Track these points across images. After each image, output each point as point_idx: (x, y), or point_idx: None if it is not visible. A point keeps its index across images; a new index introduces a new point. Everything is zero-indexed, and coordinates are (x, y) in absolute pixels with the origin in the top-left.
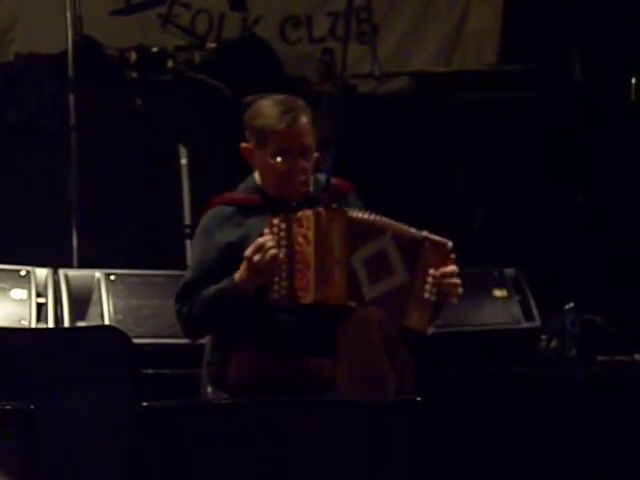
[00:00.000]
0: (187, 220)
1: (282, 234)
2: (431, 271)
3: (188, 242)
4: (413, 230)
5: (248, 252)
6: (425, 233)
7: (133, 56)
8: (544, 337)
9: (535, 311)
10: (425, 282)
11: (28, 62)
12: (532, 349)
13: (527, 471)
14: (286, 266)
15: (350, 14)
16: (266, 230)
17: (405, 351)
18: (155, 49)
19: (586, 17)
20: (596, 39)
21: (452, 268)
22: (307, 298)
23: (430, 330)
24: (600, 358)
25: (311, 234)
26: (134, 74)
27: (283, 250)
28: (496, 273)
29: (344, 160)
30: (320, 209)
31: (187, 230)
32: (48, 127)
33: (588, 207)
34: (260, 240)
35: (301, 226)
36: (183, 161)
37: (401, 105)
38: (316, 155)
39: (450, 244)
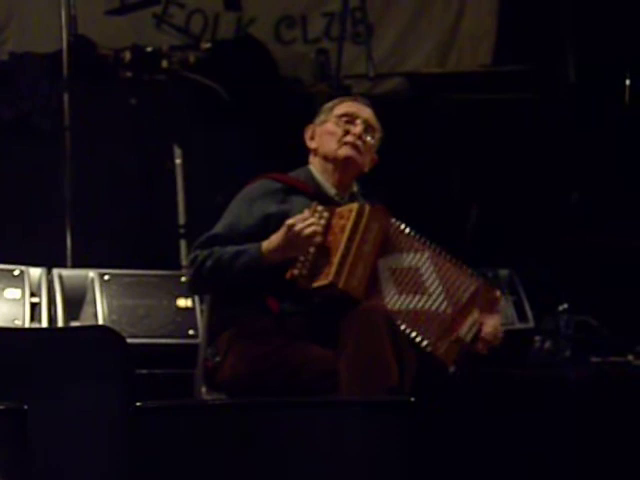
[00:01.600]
0: (181, 220)
1: (322, 221)
2: (475, 313)
3: (182, 242)
4: (466, 269)
5: (291, 220)
6: (481, 279)
7: (127, 56)
8: (538, 338)
9: (529, 312)
10: (465, 321)
11: (22, 61)
12: (526, 350)
13: (520, 471)
14: (315, 249)
15: (345, 15)
16: (307, 211)
17: (408, 344)
18: (150, 49)
19: (581, 18)
20: (591, 40)
21: (497, 319)
22: (325, 280)
23: (452, 368)
24: (594, 359)
25: (349, 224)
26: (128, 74)
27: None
28: (490, 274)
29: None
30: (366, 204)
31: (181, 230)
32: (42, 126)
33: (582, 208)
34: (307, 215)
35: (342, 218)
36: (177, 161)
37: (396, 106)
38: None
39: (499, 294)
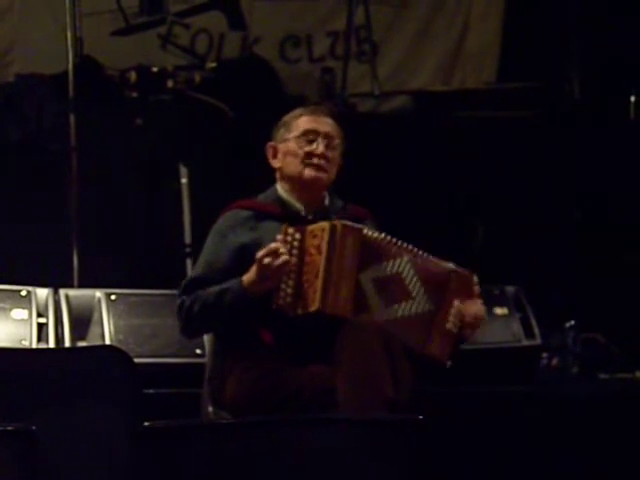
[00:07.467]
0: (187, 239)
1: (295, 244)
2: (456, 302)
3: (189, 261)
4: (437, 260)
5: (260, 254)
6: (451, 265)
7: (133, 76)
8: (545, 355)
9: (536, 329)
10: (449, 313)
11: (29, 83)
12: (533, 367)
13: None
14: (294, 274)
15: (350, 33)
16: (279, 236)
17: (404, 358)
18: (155, 69)
19: (585, 35)
20: (595, 57)
21: (476, 302)
22: (312, 306)
23: (449, 363)
24: (601, 376)
25: (324, 244)
26: (134, 94)
27: (294, 259)
28: (497, 291)
29: (343, 178)
30: (336, 222)
31: (187, 249)
32: (48, 147)
33: (588, 224)
34: (273, 245)
35: (315, 237)
36: (183, 180)
37: (401, 124)
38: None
39: (475, 277)
